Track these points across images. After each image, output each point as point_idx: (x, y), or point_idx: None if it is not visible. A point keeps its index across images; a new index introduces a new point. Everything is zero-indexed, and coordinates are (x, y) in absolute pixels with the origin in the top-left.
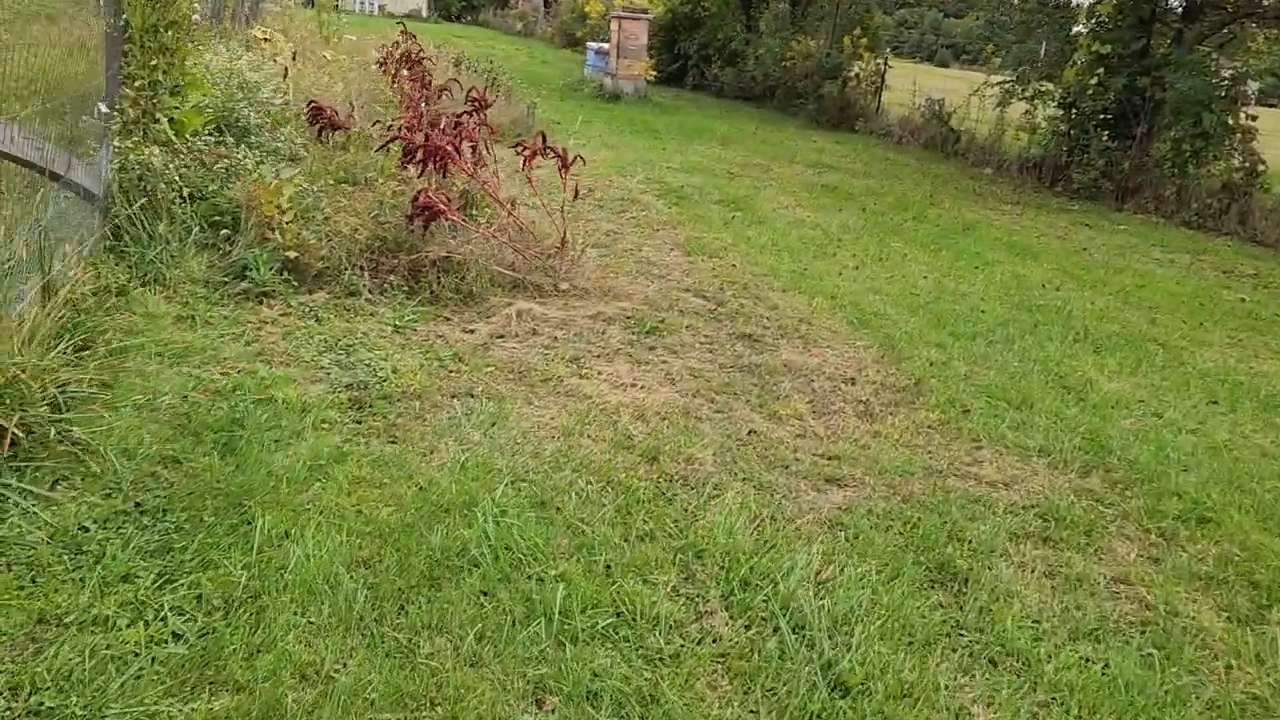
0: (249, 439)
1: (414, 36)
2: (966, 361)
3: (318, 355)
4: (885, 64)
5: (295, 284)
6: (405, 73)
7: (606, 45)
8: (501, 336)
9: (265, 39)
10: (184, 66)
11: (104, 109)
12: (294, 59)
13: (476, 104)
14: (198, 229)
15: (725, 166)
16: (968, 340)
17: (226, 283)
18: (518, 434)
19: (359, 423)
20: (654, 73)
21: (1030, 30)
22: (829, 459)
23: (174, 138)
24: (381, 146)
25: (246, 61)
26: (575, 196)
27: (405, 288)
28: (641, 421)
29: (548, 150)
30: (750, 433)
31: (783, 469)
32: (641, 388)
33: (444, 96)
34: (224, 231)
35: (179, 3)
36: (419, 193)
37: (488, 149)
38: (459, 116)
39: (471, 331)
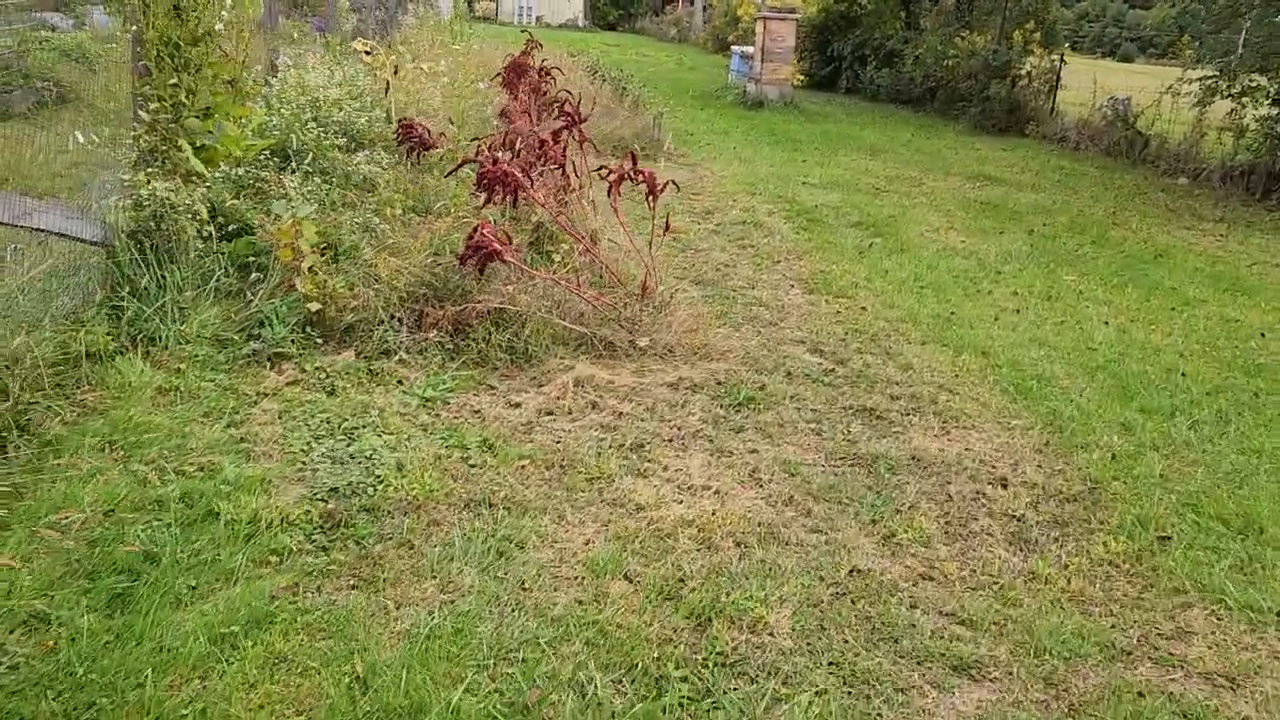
0: (154, 585)
1: (539, 45)
2: (1163, 453)
3: (311, 443)
4: (1061, 60)
5: (319, 341)
6: (522, 85)
7: (751, 49)
8: (551, 413)
9: (367, 52)
10: (214, 84)
11: (79, 138)
12: (395, 73)
13: (569, 120)
14: (223, 273)
15: (870, 181)
16: (1163, 419)
17: (238, 341)
18: (528, 574)
19: (324, 551)
20: (802, 77)
21: (1236, 14)
22: (961, 623)
23: (201, 167)
24: (451, 171)
25: (337, 77)
26: (666, 230)
27: (449, 346)
28: (705, 549)
29: (636, 175)
30: (853, 572)
31: (890, 645)
32: (716, 492)
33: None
34: (254, 275)
35: (206, 13)
36: (475, 228)
37: (576, 172)
38: (553, 134)
39: (516, 405)
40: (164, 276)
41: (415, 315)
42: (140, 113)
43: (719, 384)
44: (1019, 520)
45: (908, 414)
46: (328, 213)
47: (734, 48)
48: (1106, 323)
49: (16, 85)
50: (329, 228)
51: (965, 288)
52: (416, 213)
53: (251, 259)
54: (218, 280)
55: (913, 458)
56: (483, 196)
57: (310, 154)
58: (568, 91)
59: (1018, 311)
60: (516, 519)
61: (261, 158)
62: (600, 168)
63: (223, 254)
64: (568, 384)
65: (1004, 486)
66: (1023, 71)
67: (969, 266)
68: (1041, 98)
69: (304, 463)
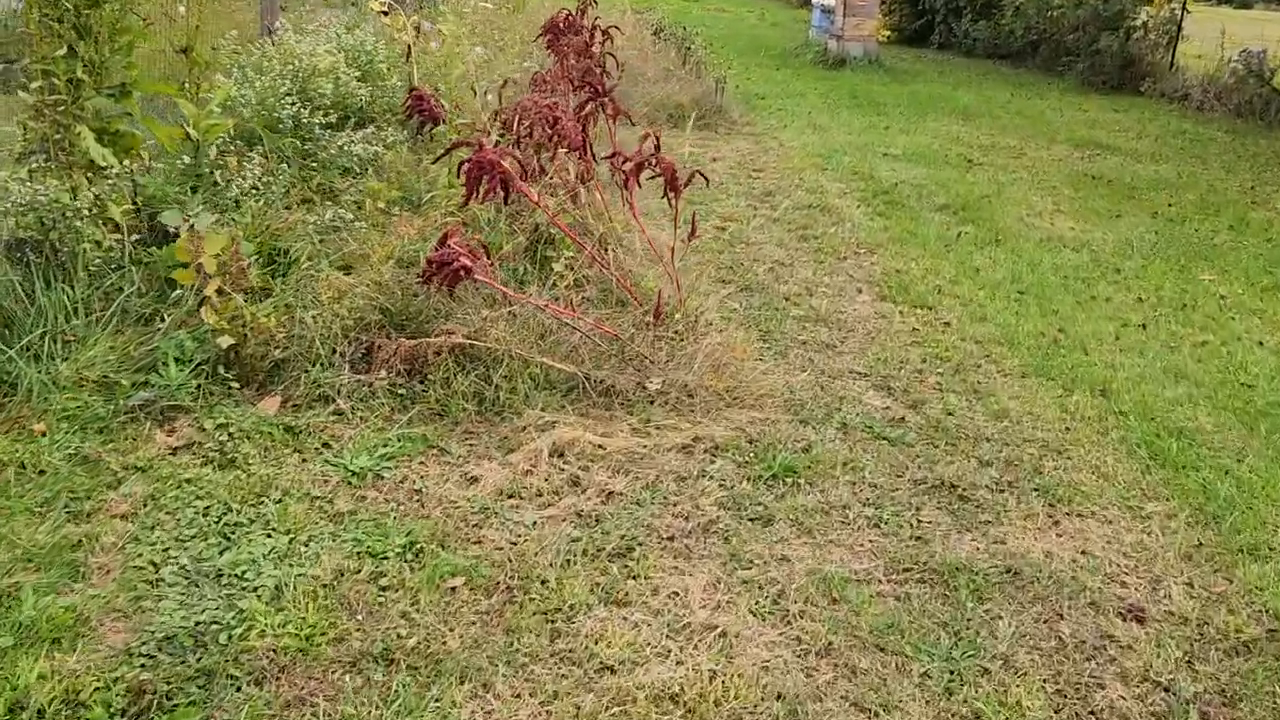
0: None
1: (594, 1)
2: None
3: (171, 550)
4: (1183, 9)
5: (235, 386)
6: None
7: (833, 1)
8: (515, 495)
9: (383, 11)
10: (130, 55)
11: None
12: (417, 35)
13: (593, 90)
14: (136, 291)
15: (961, 151)
16: None
17: (126, 387)
18: None
19: None
20: (890, 32)
21: None
22: None
23: (110, 159)
24: (441, 156)
25: (346, 42)
26: (693, 235)
27: (401, 391)
28: None
29: (654, 162)
30: None
31: None
32: (721, 634)
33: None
34: (176, 294)
35: None
36: (442, 237)
37: (595, 158)
38: (579, 107)
39: (472, 481)
40: (47, 300)
41: (365, 350)
42: (22, 94)
43: (749, 444)
44: (1166, 691)
45: (1001, 491)
46: (282, 210)
47: (815, 1)
48: (1261, 343)
49: None
50: (282, 230)
51: (1076, 293)
52: (409, 203)
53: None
54: (125, 302)
55: (1008, 569)
56: (466, 193)
57: (288, 134)
58: (611, 54)
59: (1144, 327)
60: (422, 689)
61: (223, 140)
62: (612, 154)
63: (141, 266)
64: (542, 451)
65: (1139, 622)
66: (1137, 22)
67: (1080, 263)
68: (1159, 51)
69: (148, 585)
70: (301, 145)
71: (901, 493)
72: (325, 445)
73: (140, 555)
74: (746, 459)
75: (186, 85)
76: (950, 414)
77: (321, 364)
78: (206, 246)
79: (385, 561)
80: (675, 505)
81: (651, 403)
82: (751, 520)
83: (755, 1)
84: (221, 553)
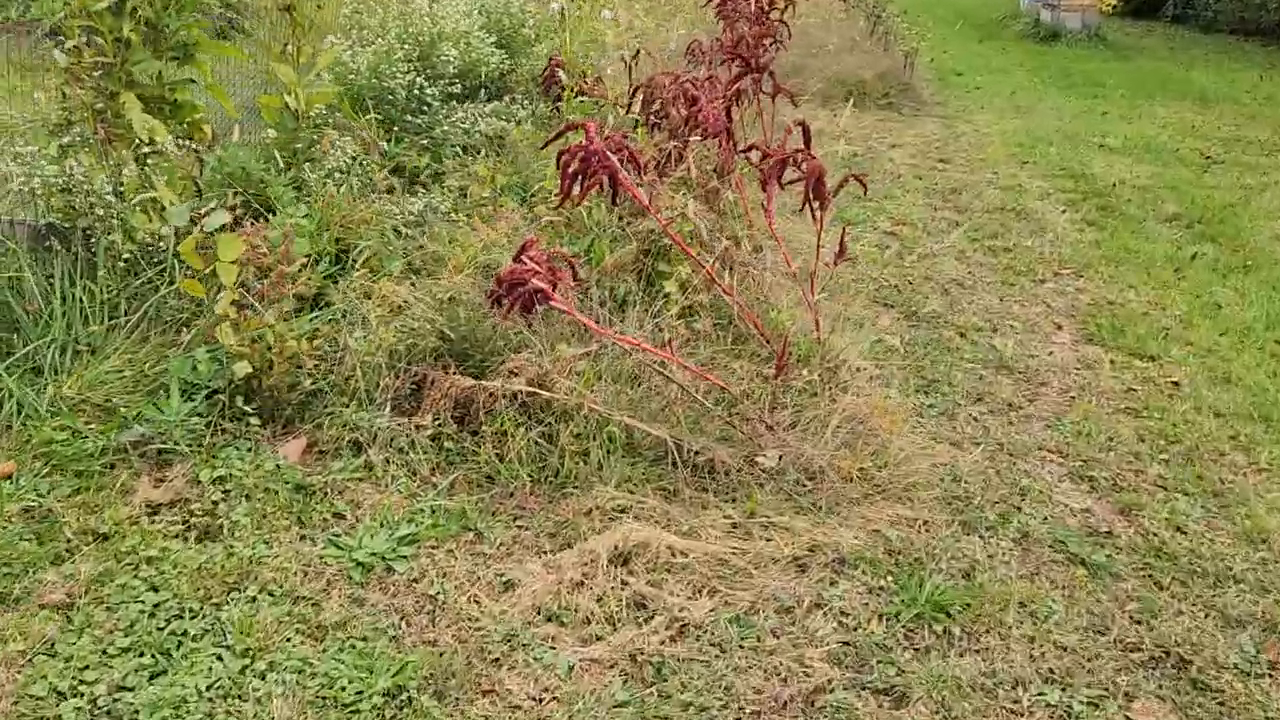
0: None
1: None
2: None
3: (77, 680)
4: None
5: (254, 423)
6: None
7: None
8: (554, 620)
9: None
10: (193, 10)
11: None
12: None
13: (745, 66)
14: (175, 294)
15: (1197, 145)
16: None
17: (129, 417)
18: None
19: None
20: (1115, 2)
21: None
22: None
23: (160, 132)
24: (550, 139)
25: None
26: (840, 257)
27: (449, 444)
28: None
29: (798, 160)
30: None
31: None
32: None
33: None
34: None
35: None
36: (522, 246)
37: (735, 151)
38: (731, 82)
39: (508, 587)
40: (65, 299)
41: (415, 383)
42: (57, 53)
43: (888, 558)
44: None
45: (1260, 676)
46: (373, 195)
47: None
48: None
49: None
50: (357, 223)
51: None
52: (520, 192)
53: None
54: (160, 304)
55: None
56: (562, 190)
57: (399, 106)
58: (783, 22)
59: None
60: None
61: (322, 112)
62: (749, 146)
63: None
64: (600, 556)
65: None
66: None
67: None
68: None
69: None
70: (413, 119)
71: (1104, 664)
72: (338, 515)
73: (46, 676)
74: (882, 583)
75: (289, 49)
76: (1180, 530)
77: (361, 401)
78: (221, 251)
79: (355, 717)
80: (772, 654)
81: (762, 485)
82: (877, 693)
83: None
84: (152, 679)
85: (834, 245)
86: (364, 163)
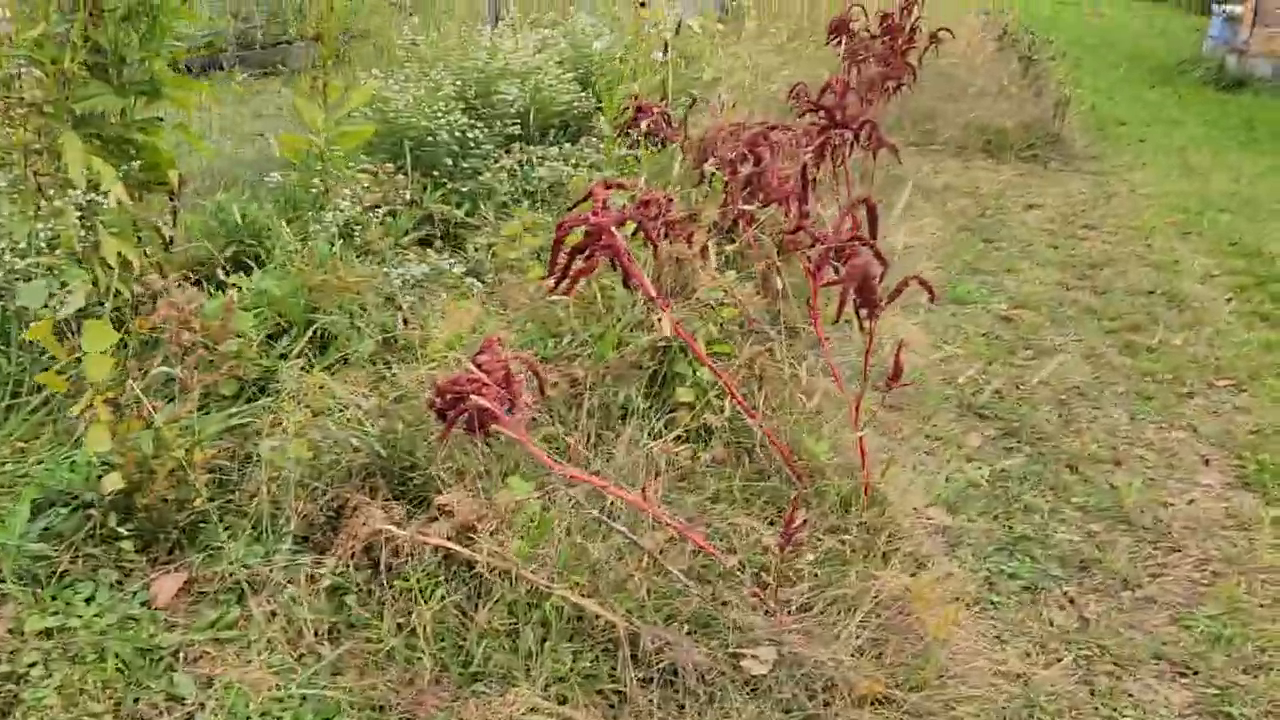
0: None
1: None
2: None
3: None
4: None
5: (128, 547)
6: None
7: (1240, 7)
8: None
9: (642, 3)
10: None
11: None
12: (677, 31)
13: (829, 119)
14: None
15: None
16: None
17: None
18: None
19: None
20: None
21: None
22: None
23: (109, 180)
24: (573, 207)
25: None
26: (895, 381)
27: (351, 597)
28: None
29: (843, 254)
30: None
31: None
32: None
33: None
34: (160, 370)
35: None
36: (483, 345)
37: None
38: (817, 133)
39: None
40: None
41: (335, 509)
42: None
43: None
44: None
45: None
46: (361, 254)
47: (1215, 6)
48: None
49: None
50: (339, 289)
51: None
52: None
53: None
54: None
55: None
56: (551, 271)
57: (441, 145)
58: (907, 63)
59: None
60: None
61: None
62: (796, 229)
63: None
64: None
65: None
66: None
67: None
68: None
69: None
70: (457, 163)
71: None
72: (174, 699)
73: None
74: None
75: (318, 82)
76: None
77: (263, 530)
78: (87, 340)
79: None
80: None
81: (743, 704)
82: None
83: (1147, 6)
84: None
85: (892, 355)
86: (385, 213)
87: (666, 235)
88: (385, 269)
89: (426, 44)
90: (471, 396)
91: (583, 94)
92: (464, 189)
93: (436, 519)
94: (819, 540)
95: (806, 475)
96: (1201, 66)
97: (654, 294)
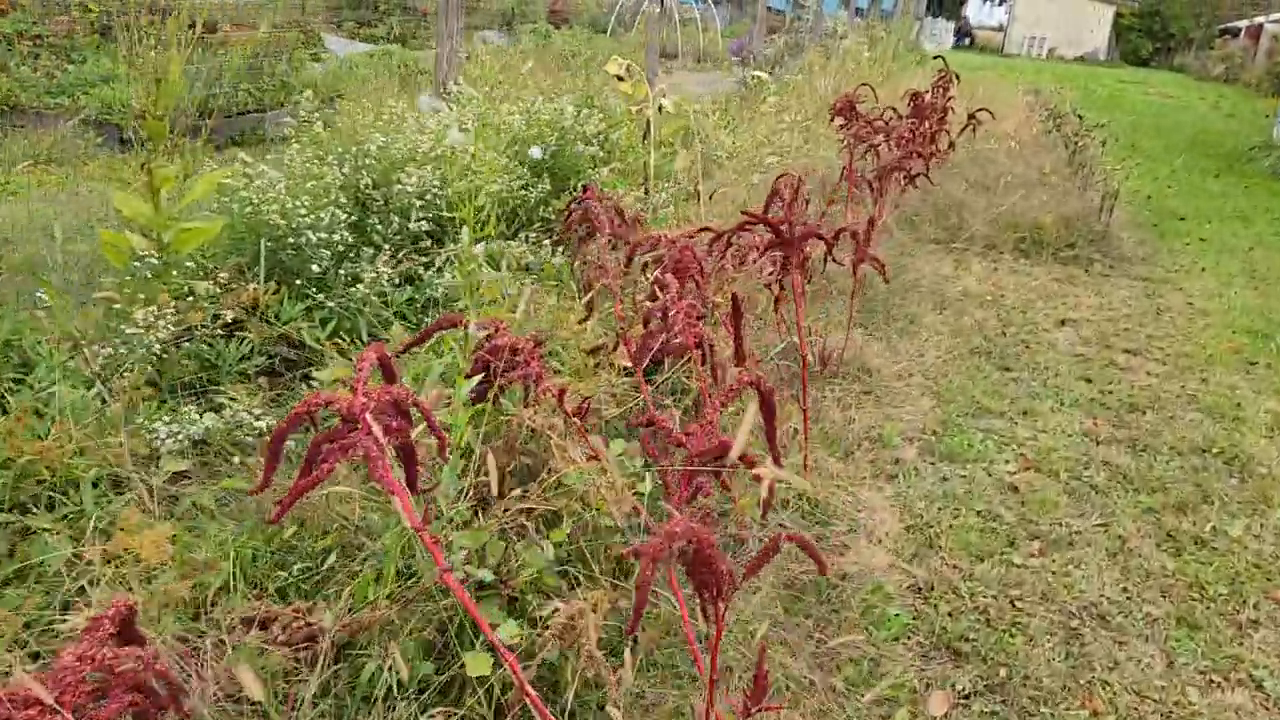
0: None
1: (955, 77)
2: None
3: None
4: None
5: None
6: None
7: None
8: None
9: (620, 77)
10: None
11: None
12: (661, 107)
13: (775, 234)
14: None
15: None
16: None
17: None
18: None
19: None
20: None
21: None
22: None
23: None
24: (404, 349)
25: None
26: (756, 701)
27: None
28: None
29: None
30: None
31: None
32: None
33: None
34: None
35: None
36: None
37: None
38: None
39: None
40: None
41: None
42: None
43: None
44: None
45: None
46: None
47: None
48: None
49: None
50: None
51: None
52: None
53: None
54: None
55: None
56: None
57: (308, 249)
58: (936, 150)
59: None
60: None
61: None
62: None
63: None
64: None
65: None
66: None
67: None
68: None
69: None
70: (328, 271)
71: None
72: None
73: None
74: None
75: (144, 171)
76: None
77: None
78: None
79: None
80: None
81: None
82: None
83: (1212, 88)
84: None
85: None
86: (218, 335)
87: (527, 394)
88: (154, 423)
89: (343, 120)
90: None
91: (534, 180)
92: (330, 304)
93: None
94: None
95: None
96: (1273, 154)
97: (416, 524)
